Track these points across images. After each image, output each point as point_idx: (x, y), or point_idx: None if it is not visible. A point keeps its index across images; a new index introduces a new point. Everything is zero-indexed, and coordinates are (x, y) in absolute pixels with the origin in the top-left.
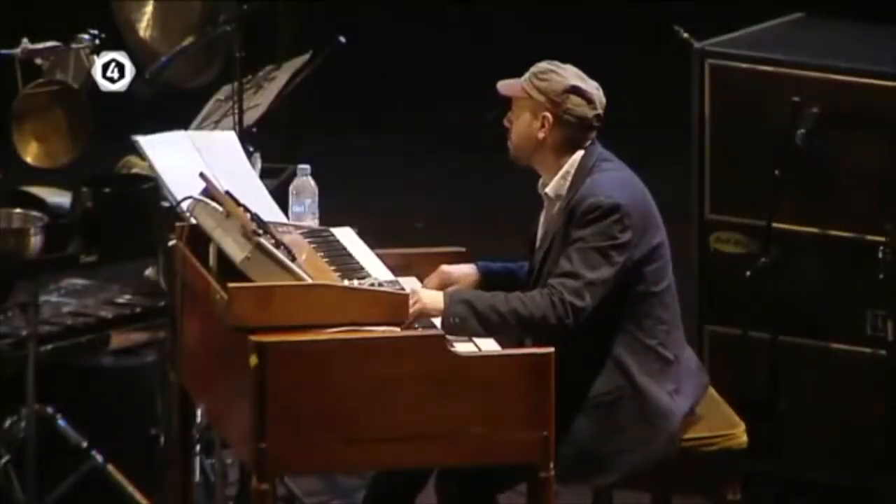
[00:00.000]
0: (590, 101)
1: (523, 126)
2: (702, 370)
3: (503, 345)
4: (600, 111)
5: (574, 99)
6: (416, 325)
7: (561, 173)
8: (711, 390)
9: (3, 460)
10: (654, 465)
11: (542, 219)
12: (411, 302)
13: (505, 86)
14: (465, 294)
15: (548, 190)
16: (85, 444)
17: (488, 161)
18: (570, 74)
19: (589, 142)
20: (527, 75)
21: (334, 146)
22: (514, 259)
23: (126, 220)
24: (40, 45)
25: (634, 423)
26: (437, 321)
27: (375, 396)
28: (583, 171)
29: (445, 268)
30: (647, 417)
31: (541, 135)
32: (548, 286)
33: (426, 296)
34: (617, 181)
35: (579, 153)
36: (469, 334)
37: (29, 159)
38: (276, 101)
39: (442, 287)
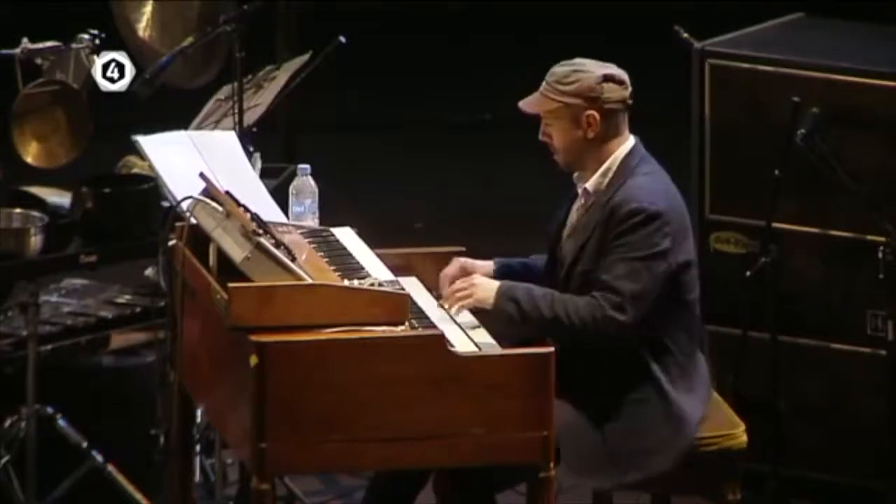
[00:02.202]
0: (621, 82)
1: (566, 135)
2: (709, 376)
3: (503, 345)
4: (631, 89)
5: (609, 86)
6: (416, 325)
7: (602, 170)
8: (711, 390)
9: (3, 460)
10: (675, 469)
11: (573, 208)
12: (465, 293)
13: (529, 104)
14: (515, 291)
15: (587, 185)
16: (85, 444)
17: (488, 161)
18: (592, 66)
19: (627, 132)
20: (546, 87)
21: (334, 146)
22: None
23: (126, 220)
24: (40, 45)
25: (659, 426)
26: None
27: (375, 396)
28: (624, 170)
29: (464, 260)
30: (670, 421)
31: (590, 135)
32: (592, 297)
33: (481, 286)
34: (659, 187)
35: (622, 149)
36: (511, 334)
37: (29, 159)
38: (276, 101)
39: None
